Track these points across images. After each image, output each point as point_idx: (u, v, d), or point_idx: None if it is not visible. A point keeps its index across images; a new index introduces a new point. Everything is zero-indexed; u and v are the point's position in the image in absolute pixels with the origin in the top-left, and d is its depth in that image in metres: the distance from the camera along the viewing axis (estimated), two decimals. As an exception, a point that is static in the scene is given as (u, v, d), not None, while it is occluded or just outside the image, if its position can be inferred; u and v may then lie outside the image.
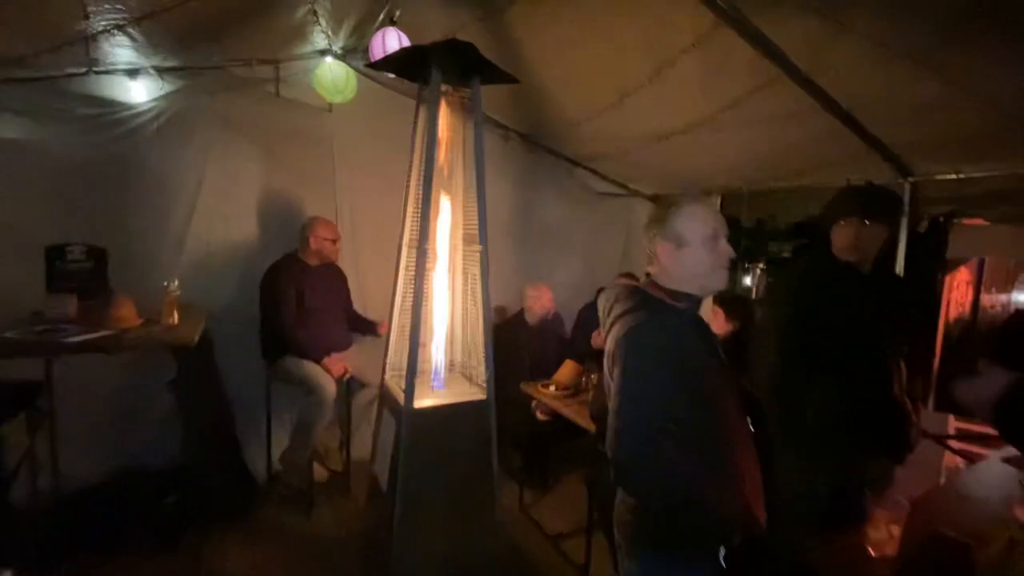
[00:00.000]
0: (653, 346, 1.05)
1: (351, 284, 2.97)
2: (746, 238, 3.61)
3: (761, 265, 4.85)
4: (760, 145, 2.74)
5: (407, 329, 2.05)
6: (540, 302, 3.02)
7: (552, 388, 2.59)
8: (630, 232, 4.28)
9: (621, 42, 2.22)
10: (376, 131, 3.04)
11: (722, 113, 2.42)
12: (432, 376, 2.14)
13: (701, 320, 1.19)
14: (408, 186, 2.16)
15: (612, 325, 1.17)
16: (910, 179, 2.62)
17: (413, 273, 1.96)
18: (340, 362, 2.62)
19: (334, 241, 2.74)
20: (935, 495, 1.59)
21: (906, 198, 2.65)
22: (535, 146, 3.64)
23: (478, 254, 2.01)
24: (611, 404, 1.07)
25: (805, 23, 1.75)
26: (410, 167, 2.17)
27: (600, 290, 1.42)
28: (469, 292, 2.13)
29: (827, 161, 2.76)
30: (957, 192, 2.59)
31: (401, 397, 1.95)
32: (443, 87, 1.92)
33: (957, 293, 4.38)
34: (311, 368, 2.54)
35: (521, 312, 3.14)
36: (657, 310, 1.13)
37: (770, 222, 3.70)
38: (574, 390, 2.57)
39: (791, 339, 1.57)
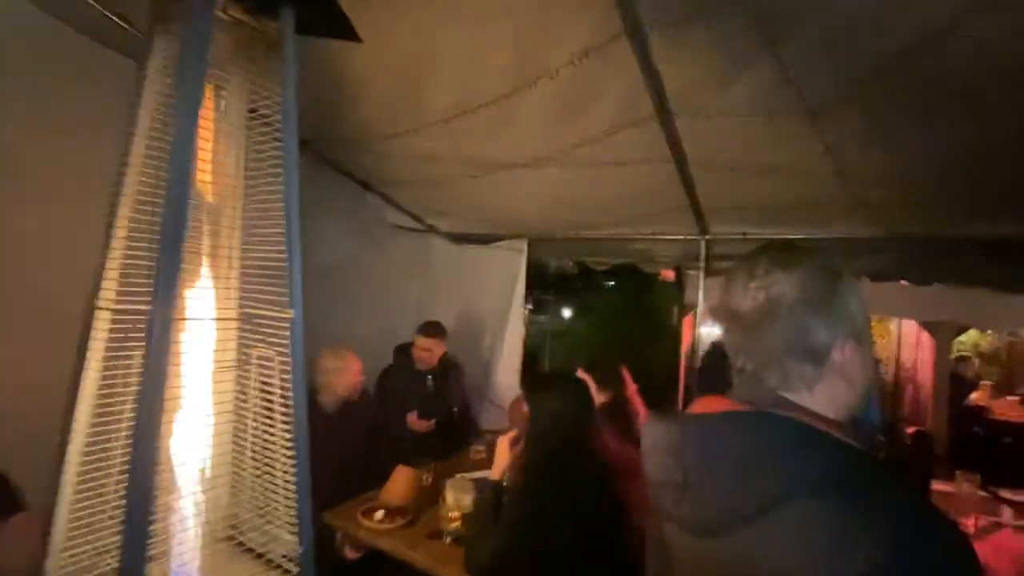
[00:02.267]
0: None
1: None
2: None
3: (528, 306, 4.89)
4: (594, 188, 2.56)
5: (112, 472, 0.97)
6: (345, 377, 2.10)
7: (379, 514, 1.74)
8: (426, 277, 3.67)
9: (486, 37, 1.66)
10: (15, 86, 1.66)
11: (579, 148, 2.11)
12: (172, 563, 1.08)
13: None
14: (119, 197, 1.08)
15: (749, 522, 0.58)
16: (706, 236, 2.83)
17: (126, 363, 0.93)
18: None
19: None
20: None
21: (702, 252, 2.86)
22: (318, 159, 2.71)
23: (288, 325, 1.09)
24: None
25: (708, 58, 1.55)
26: (124, 164, 1.09)
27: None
28: (255, 392, 1.17)
29: (646, 213, 2.77)
30: (734, 250, 2.92)
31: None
32: (227, 12, 0.99)
33: (687, 332, 5.30)
34: None
35: (312, 394, 2.14)
36: (880, 478, 0.59)
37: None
38: (414, 513, 1.77)
39: None
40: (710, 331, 6.69)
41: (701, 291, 2.92)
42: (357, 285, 3.09)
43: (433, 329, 2.75)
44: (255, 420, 1.16)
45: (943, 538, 0.52)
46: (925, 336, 4.18)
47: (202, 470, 1.13)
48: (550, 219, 3.14)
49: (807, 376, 0.67)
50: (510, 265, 3.51)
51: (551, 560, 1.21)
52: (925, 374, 4.31)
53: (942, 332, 3.94)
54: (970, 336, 5.81)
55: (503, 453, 1.50)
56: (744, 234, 2.74)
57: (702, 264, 2.86)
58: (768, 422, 0.63)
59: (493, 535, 1.31)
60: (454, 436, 2.66)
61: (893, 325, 5.64)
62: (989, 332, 5.63)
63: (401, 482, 1.83)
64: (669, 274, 6.14)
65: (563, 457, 1.29)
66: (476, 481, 2.09)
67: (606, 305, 6.63)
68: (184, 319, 1.02)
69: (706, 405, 0.74)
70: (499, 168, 2.41)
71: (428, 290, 3.60)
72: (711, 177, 2.24)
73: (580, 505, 1.22)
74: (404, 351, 2.78)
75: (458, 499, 1.78)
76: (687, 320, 5.16)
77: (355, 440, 2.14)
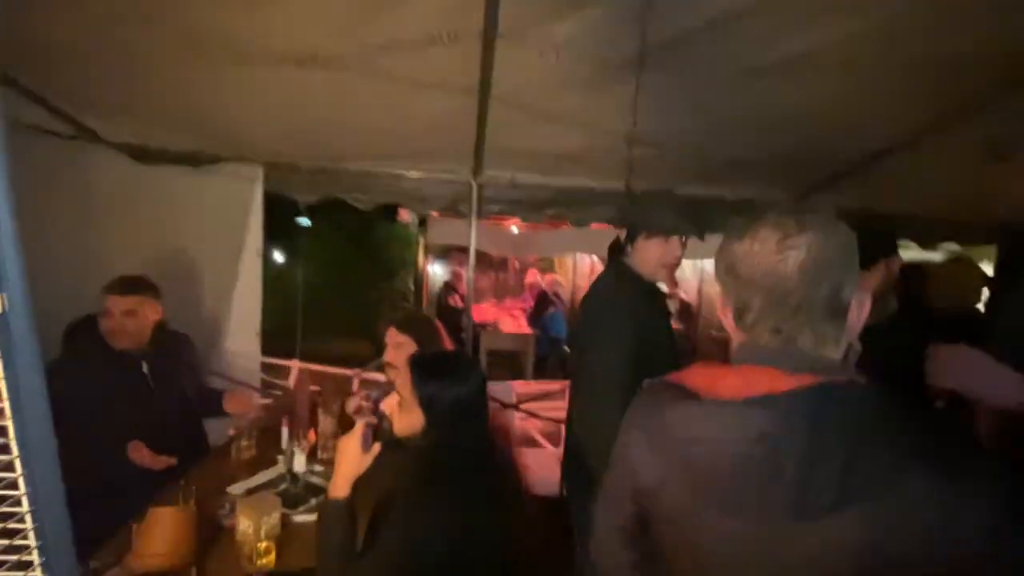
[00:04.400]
0: None
1: None
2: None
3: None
4: (378, 111, 2.13)
5: None
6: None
7: None
8: (87, 207, 2.42)
9: None
10: None
11: (384, 55, 1.68)
12: None
13: None
14: None
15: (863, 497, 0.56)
16: (478, 179, 2.78)
17: None
18: None
19: None
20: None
21: (474, 195, 2.82)
22: None
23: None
24: None
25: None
26: None
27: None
28: None
29: (427, 149, 2.52)
30: (502, 195, 3.00)
31: None
32: None
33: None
34: None
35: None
36: (963, 435, 0.62)
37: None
38: (195, 566, 1.19)
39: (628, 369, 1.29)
40: (441, 271, 6.93)
41: (474, 234, 2.89)
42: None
43: (136, 284, 1.77)
44: None
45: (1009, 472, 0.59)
46: (600, 266, 5.46)
47: None
48: (303, 142, 2.49)
49: (836, 335, 0.68)
50: (237, 198, 2.67)
51: None
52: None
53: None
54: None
55: (354, 459, 1.12)
56: (513, 179, 2.81)
57: (474, 207, 2.82)
58: (862, 394, 0.62)
59: (365, 571, 0.98)
60: (200, 436, 1.91)
61: (569, 259, 7.13)
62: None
63: (164, 532, 1.16)
64: (405, 215, 5.99)
65: (475, 460, 1.05)
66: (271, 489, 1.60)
67: (342, 248, 5.98)
68: None
69: (749, 379, 0.68)
70: (247, 58, 1.70)
71: (94, 235, 2.40)
72: (504, 116, 2.16)
73: (497, 515, 1.02)
74: (86, 329, 1.74)
75: (261, 523, 1.30)
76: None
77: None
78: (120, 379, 1.67)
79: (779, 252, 0.65)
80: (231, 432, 1.95)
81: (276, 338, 3.37)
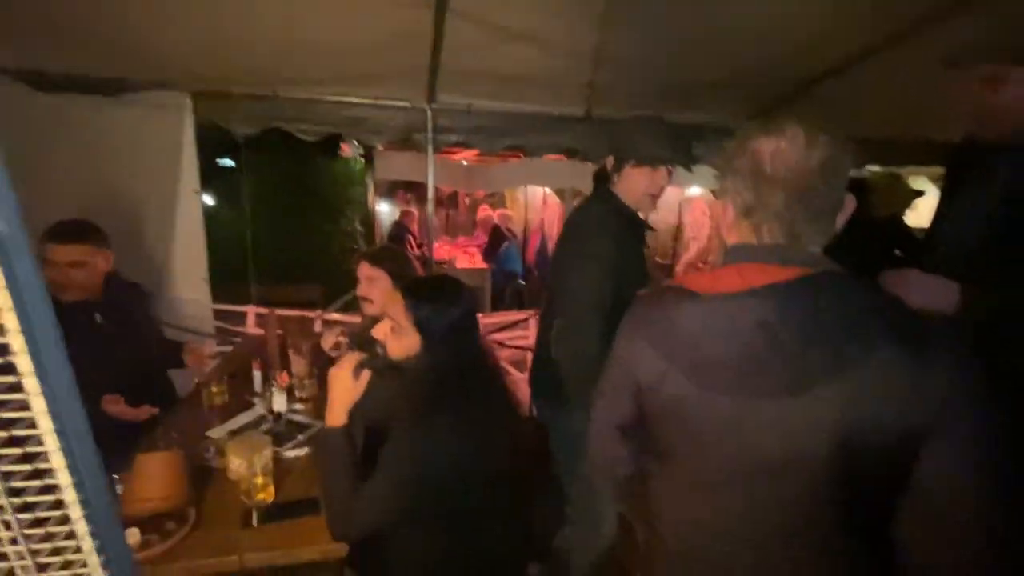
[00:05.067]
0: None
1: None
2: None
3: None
4: (321, 28, 1.95)
5: None
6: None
7: (132, 536, 1.07)
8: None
9: None
10: None
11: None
12: None
13: None
14: None
15: (854, 368, 0.65)
16: (433, 106, 2.65)
17: None
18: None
19: None
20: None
21: (429, 124, 2.69)
22: None
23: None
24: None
25: None
26: None
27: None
28: None
29: (377, 72, 2.34)
30: (457, 123, 2.87)
31: None
32: None
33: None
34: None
35: None
36: (926, 320, 0.68)
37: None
38: (192, 505, 1.19)
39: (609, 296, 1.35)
40: (388, 210, 6.68)
41: (431, 166, 2.80)
42: None
43: (80, 231, 1.59)
44: None
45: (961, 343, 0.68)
46: (552, 199, 5.46)
47: None
48: (236, 66, 2.25)
49: (830, 232, 0.75)
50: (165, 132, 2.40)
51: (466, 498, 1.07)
52: (554, 228, 5.70)
53: (567, 195, 5.19)
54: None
55: (347, 388, 1.13)
56: (469, 106, 2.69)
57: (429, 136, 2.70)
58: (847, 282, 0.69)
59: (374, 492, 1.02)
60: (168, 386, 1.84)
61: (520, 193, 7.06)
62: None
63: (154, 476, 1.13)
64: (347, 149, 5.62)
65: (471, 376, 1.09)
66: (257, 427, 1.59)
67: (279, 189, 5.57)
68: None
69: (747, 275, 0.73)
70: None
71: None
72: (464, 34, 2.04)
73: (496, 426, 1.09)
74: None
75: (254, 460, 1.30)
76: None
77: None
78: (73, 334, 1.53)
79: (807, 150, 0.69)
80: (197, 380, 1.89)
81: (222, 285, 3.21)
